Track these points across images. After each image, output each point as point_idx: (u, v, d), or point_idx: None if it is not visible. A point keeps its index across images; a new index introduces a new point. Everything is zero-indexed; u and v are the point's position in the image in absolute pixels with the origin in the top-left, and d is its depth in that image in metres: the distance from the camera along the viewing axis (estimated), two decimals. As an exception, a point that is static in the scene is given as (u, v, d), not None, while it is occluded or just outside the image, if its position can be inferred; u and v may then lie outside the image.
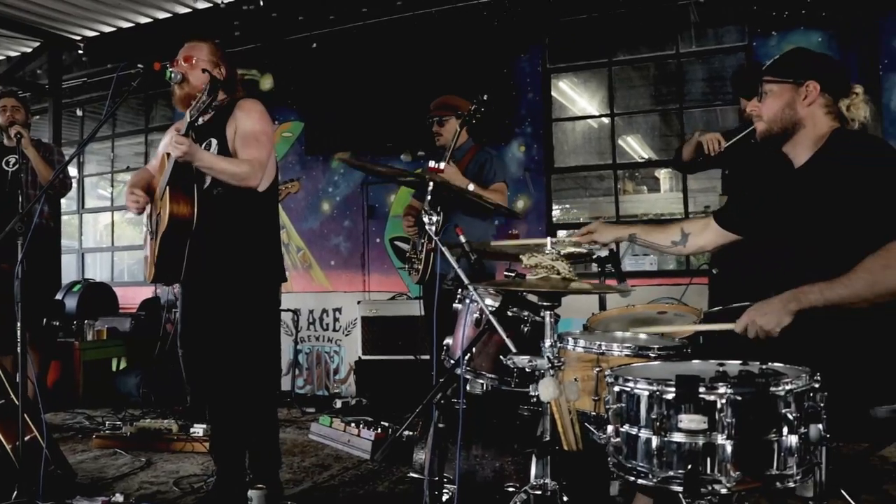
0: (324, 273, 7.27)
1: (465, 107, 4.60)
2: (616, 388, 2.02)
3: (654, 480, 1.89)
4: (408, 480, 4.03)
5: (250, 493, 3.29)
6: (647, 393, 1.93)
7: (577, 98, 7.44)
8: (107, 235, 9.53)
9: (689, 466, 1.83)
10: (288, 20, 7.13)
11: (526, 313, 2.84)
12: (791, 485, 1.86)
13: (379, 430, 4.55)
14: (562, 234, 7.04)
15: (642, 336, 2.85)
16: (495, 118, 6.14)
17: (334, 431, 4.79)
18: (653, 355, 2.57)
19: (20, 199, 5.20)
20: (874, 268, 2.14)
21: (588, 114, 7.40)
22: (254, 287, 3.54)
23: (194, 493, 3.90)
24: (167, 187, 3.31)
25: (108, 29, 7.82)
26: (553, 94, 6.79)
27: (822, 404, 1.92)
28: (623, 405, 2.00)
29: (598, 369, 2.59)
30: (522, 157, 6.57)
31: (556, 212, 7.21)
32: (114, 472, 4.32)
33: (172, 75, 3.50)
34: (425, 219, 2.68)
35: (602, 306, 3.71)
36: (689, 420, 1.82)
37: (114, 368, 6.94)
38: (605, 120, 7.14)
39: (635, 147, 9.38)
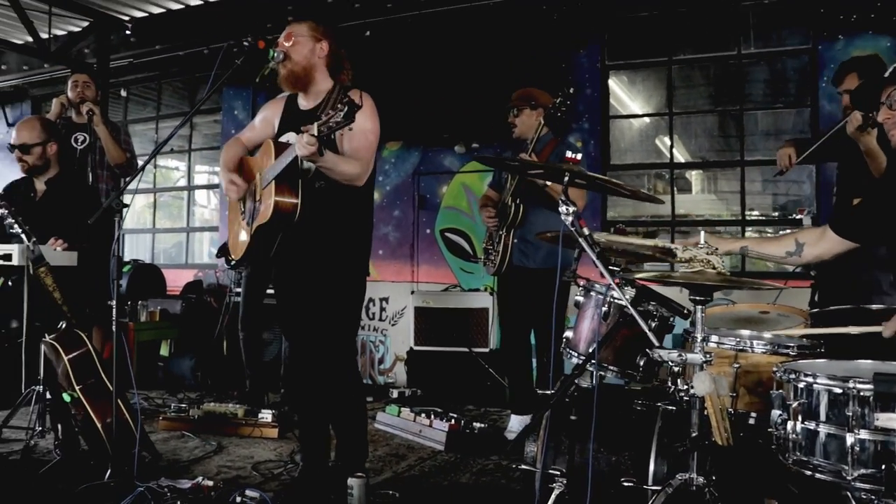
0: (371, 262, 7.19)
1: (544, 99, 4.59)
2: (799, 385, 1.99)
3: (847, 478, 1.86)
4: (489, 472, 4.04)
5: (351, 481, 3.27)
6: (837, 390, 1.90)
7: (628, 101, 7.39)
8: (145, 216, 9.50)
9: (884, 465, 1.80)
10: (343, 7, 7.07)
11: (653, 307, 2.82)
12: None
13: (452, 421, 4.52)
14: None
15: (766, 334, 2.83)
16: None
17: (403, 421, 4.76)
18: (792, 353, 2.54)
19: (89, 177, 5.19)
20: None
21: (637, 113, 7.35)
22: (346, 276, 3.52)
23: (275, 478, 3.88)
24: (273, 181, 3.25)
25: (157, 10, 7.78)
26: (611, 95, 6.76)
27: None
28: (804, 401, 1.97)
29: (737, 366, 2.57)
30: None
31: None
32: (188, 456, 4.29)
33: (276, 55, 3.45)
34: (562, 209, 2.63)
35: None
36: (887, 419, 1.80)
37: (161, 351, 6.92)
38: (648, 120, 7.13)
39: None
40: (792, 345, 2.60)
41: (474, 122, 6.56)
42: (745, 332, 2.84)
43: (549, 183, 4.26)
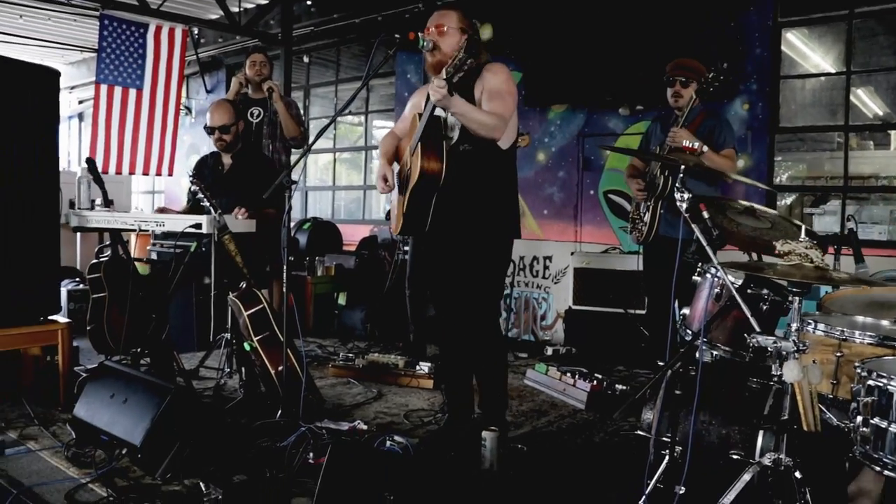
0: (536, 221, 7.46)
1: (705, 72, 4.57)
2: (870, 382, 2.07)
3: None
4: (622, 434, 4.23)
5: (484, 433, 3.56)
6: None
7: (810, 53, 7.06)
8: (326, 174, 10.20)
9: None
10: (511, -30, 7.22)
11: (766, 292, 2.90)
12: None
13: (594, 381, 4.73)
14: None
15: (884, 323, 2.84)
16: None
17: (550, 379, 5.04)
18: (899, 345, 2.57)
19: (268, 149, 5.75)
20: None
21: (819, 69, 7.01)
22: (492, 240, 3.77)
23: (423, 426, 4.27)
24: (419, 143, 3.59)
25: (335, -20, 8.30)
26: (783, 48, 6.51)
27: None
28: (875, 399, 2.06)
29: (839, 354, 2.63)
30: (746, 115, 6.40)
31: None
32: (350, 401, 4.78)
33: (425, 43, 3.74)
34: (676, 196, 2.78)
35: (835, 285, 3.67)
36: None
37: (339, 300, 7.54)
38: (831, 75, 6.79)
39: (865, 100, 8.75)
40: (901, 337, 2.61)
41: (639, 84, 6.56)
42: (860, 320, 2.86)
43: (704, 149, 4.33)
